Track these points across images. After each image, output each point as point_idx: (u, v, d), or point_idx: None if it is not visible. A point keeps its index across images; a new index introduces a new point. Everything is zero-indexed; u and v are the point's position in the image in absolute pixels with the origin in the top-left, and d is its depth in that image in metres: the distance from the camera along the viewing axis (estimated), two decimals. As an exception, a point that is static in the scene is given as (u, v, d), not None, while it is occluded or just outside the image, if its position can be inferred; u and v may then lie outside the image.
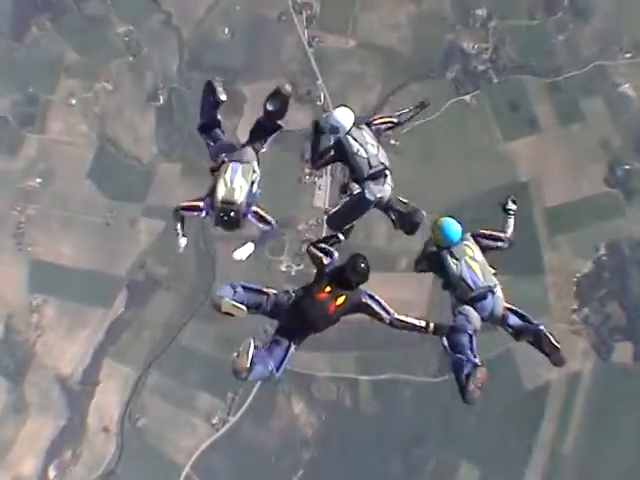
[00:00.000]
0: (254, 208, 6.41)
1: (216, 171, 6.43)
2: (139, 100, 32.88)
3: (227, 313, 5.79)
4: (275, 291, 6.06)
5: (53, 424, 31.43)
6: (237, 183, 6.20)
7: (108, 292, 31.83)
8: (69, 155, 32.80)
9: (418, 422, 29.08)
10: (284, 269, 30.06)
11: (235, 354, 5.79)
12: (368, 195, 6.73)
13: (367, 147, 6.76)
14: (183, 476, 30.13)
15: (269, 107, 6.93)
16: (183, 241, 6.91)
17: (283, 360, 5.96)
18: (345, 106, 7.08)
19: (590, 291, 29.20)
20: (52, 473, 31.10)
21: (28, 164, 33.10)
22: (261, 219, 6.47)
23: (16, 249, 32.47)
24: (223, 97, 6.78)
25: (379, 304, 5.99)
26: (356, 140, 6.80)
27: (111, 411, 31.23)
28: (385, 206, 6.93)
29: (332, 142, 7.17)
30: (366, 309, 5.95)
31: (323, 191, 30.62)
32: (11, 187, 32.95)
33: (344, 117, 6.94)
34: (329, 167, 32.04)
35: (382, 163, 6.82)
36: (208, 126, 7.09)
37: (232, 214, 6.13)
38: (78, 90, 33.10)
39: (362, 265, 5.73)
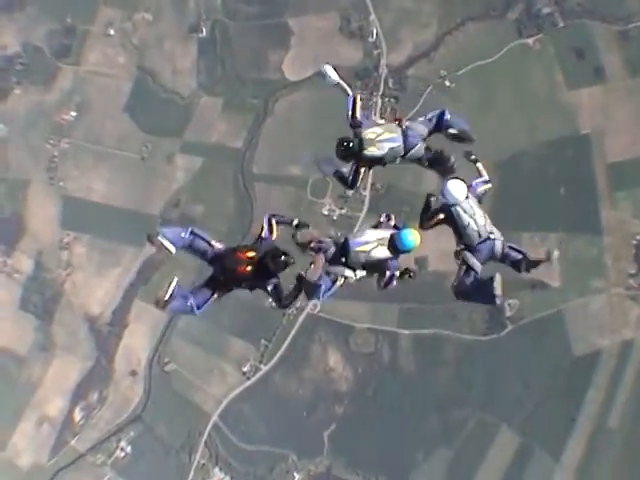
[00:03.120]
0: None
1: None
2: (180, 31, 33.82)
3: (152, 243, 7.32)
4: (221, 245, 7.47)
5: (80, 365, 33.00)
6: (385, 144, 7.58)
7: (140, 230, 32.01)
8: (106, 88, 34.01)
9: (459, 382, 29.77)
10: (326, 212, 30.89)
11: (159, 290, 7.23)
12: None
13: (476, 218, 7.50)
14: (211, 424, 31.44)
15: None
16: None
17: (205, 302, 7.41)
18: (457, 178, 7.62)
19: None
20: (78, 415, 32.81)
21: (63, 96, 34.41)
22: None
23: (48, 183, 34.01)
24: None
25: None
26: (466, 212, 7.49)
27: (139, 354, 32.63)
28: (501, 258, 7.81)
29: (440, 205, 7.83)
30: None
31: None
32: (45, 120, 34.38)
33: (458, 191, 7.50)
34: (378, 106, 33.63)
35: (490, 232, 7.60)
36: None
37: (345, 144, 7.57)
38: (117, 20, 34.30)
39: (281, 260, 6.89)
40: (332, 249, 7.24)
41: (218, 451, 31.69)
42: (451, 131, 8.00)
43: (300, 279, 7.15)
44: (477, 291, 7.65)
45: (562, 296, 29.74)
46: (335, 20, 32.70)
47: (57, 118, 34.48)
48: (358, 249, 7.05)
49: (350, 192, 31.35)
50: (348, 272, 7.20)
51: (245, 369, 31.69)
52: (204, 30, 33.88)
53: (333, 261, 7.21)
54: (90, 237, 33.81)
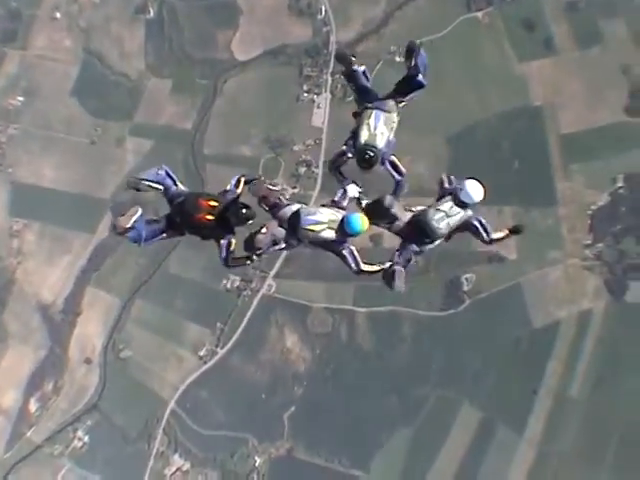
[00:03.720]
0: (392, 157, 7.37)
1: (358, 116, 7.45)
2: (127, 13, 33.85)
3: (137, 189, 7.33)
4: (185, 188, 7.48)
5: (33, 355, 32.94)
6: (379, 130, 7.23)
7: (92, 216, 32.96)
8: (53, 72, 33.98)
9: (418, 359, 29.90)
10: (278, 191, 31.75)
11: (122, 214, 7.14)
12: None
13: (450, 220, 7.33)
14: (168, 411, 31.49)
15: (407, 64, 7.65)
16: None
17: (154, 237, 7.30)
18: (474, 179, 7.51)
19: (605, 225, 29.80)
20: (33, 406, 32.74)
21: (10, 81, 34.46)
22: (396, 168, 7.38)
23: None
24: (355, 67, 7.54)
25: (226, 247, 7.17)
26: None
27: (94, 342, 32.59)
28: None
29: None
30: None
31: (322, 109, 31.31)
32: None
33: (476, 192, 7.40)
34: (328, 84, 34.00)
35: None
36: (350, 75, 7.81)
37: (372, 155, 7.13)
38: (63, 3, 34.29)
39: (243, 212, 6.89)
40: (286, 210, 7.18)
41: (177, 437, 31.65)
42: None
43: (248, 240, 7.02)
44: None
45: (519, 268, 30.05)
46: None
47: (4, 103, 34.44)
48: (308, 227, 7.03)
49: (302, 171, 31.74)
50: (292, 241, 7.22)
51: (201, 353, 31.70)
52: (151, 11, 33.98)
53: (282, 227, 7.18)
54: (40, 224, 33.76)
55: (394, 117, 7.45)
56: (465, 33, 31.60)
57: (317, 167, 31.28)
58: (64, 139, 33.90)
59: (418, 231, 7.30)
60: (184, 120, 32.46)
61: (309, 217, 7.03)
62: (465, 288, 30.50)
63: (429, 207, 7.39)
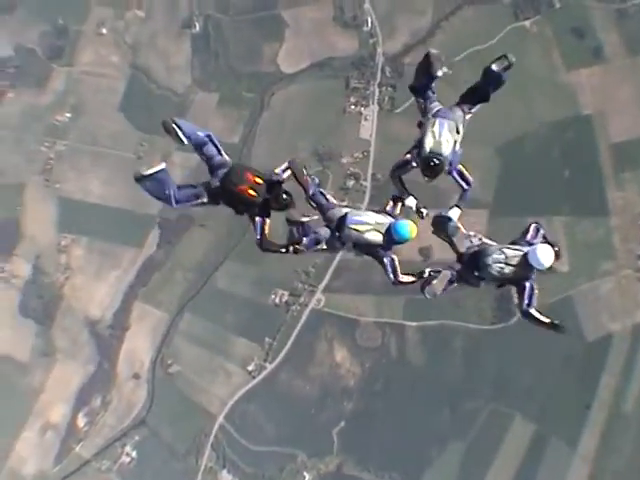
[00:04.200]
0: (459, 166, 7.43)
1: (423, 125, 7.43)
2: (173, 28, 34.77)
3: (168, 131, 7.42)
4: (229, 160, 7.50)
5: (82, 370, 33.62)
6: (444, 137, 7.22)
7: (139, 231, 33.87)
8: (100, 87, 34.85)
9: (469, 373, 30.15)
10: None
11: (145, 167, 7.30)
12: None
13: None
14: (217, 426, 31.94)
15: (494, 68, 7.92)
16: None
17: (187, 201, 7.41)
18: (550, 244, 7.41)
19: None
20: (81, 421, 33.42)
21: (57, 98, 35.27)
22: (463, 177, 7.47)
23: (44, 186, 34.80)
24: (439, 73, 7.66)
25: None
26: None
27: (142, 357, 33.24)
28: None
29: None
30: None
31: (369, 121, 31.82)
32: (40, 122, 35.22)
33: (546, 258, 7.24)
34: (375, 96, 34.91)
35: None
36: (419, 90, 7.84)
37: (438, 163, 7.10)
38: (109, 19, 35.29)
39: (284, 198, 7.04)
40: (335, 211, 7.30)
41: (225, 453, 32.06)
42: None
43: (290, 222, 7.35)
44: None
45: (571, 280, 30.12)
46: (329, 10, 33.36)
47: (52, 120, 35.23)
48: (353, 226, 7.14)
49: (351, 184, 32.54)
50: (336, 242, 7.38)
51: (250, 368, 32.14)
52: (197, 25, 34.76)
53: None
54: (88, 239, 34.47)
55: (460, 126, 7.49)
56: (513, 42, 31.72)
57: (365, 180, 31.77)
58: (111, 154, 34.62)
59: (472, 260, 7.54)
60: (231, 134, 32.96)
61: (355, 217, 7.19)
62: (516, 301, 30.98)
63: (496, 246, 7.48)
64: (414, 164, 7.46)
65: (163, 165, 7.48)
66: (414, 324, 31.18)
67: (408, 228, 7.07)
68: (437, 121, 7.35)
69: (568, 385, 30.06)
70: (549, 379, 30.02)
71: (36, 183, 35.32)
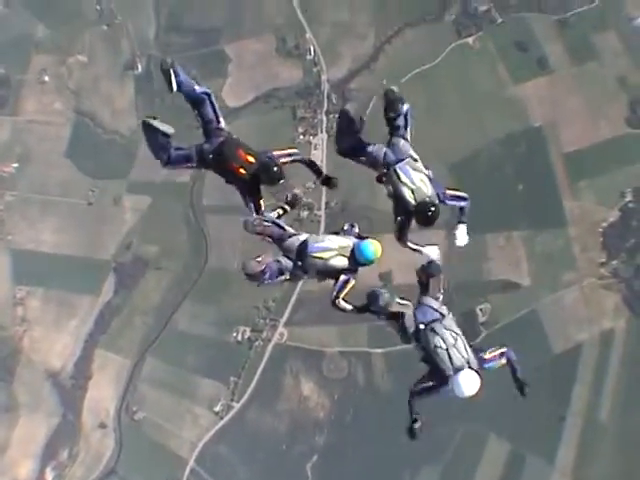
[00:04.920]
0: (447, 192, 7.16)
1: (384, 180, 7.16)
2: (116, 70, 34.55)
3: (163, 72, 7.10)
4: (227, 132, 7.20)
5: (46, 423, 33.21)
6: (416, 180, 6.90)
7: (95, 277, 33.53)
8: (45, 135, 34.62)
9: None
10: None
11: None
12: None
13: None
14: (188, 470, 31.61)
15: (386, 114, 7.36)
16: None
17: (177, 163, 7.21)
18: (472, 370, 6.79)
19: (618, 242, 30.27)
20: (49, 475, 32.98)
21: (3, 149, 34.99)
22: (456, 197, 7.32)
23: None
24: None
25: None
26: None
27: (107, 405, 32.81)
28: None
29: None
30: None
31: (319, 150, 31.92)
32: None
33: (469, 387, 6.69)
34: (324, 124, 34.96)
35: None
36: (356, 149, 7.50)
37: (434, 209, 6.73)
38: (51, 65, 34.94)
39: (275, 171, 6.73)
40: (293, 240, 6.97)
41: None
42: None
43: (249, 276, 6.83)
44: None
45: (534, 294, 30.28)
46: (271, 41, 33.31)
47: None
48: (316, 255, 6.77)
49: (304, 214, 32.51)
50: (298, 272, 7.04)
51: (217, 409, 31.85)
52: (139, 66, 34.69)
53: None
54: (44, 290, 34.08)
55: (414, 155, 7.13)
56: (457, 60, 32.15)
57: (319, 209, 31.95)
58: (61, 202, 34.31)
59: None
60: (181, 174, 32.63)
61: (317, 244, 6.79)
62: (481, 319, 30.67)
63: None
64: (407, 220, 7.14)
65: (172, 131, 7.25)
66: (379, 351, 30.96)
67: (373, 248, 6.79)
68: (398, 171, 7.00)
69: (540, 399, 29.50)
70: (520, 396, 29.93)
71: (-14, 237, 34.72)
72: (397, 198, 7.00)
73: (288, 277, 7.03)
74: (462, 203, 7.40)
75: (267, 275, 6.76)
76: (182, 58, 34.15)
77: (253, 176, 6.87)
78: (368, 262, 6.81)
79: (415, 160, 7.08)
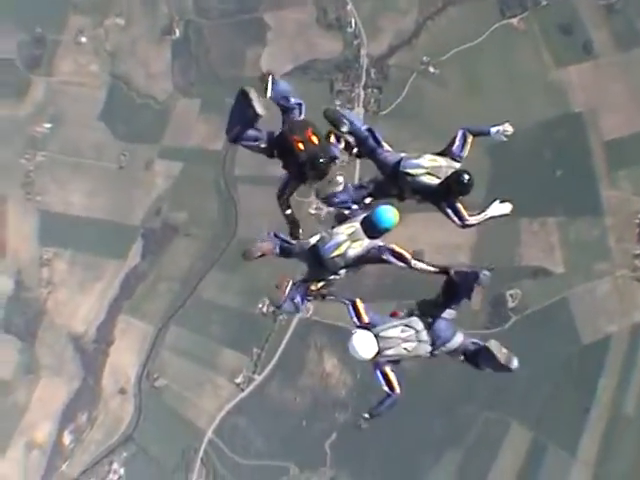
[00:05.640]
0: (452, 148, 6.87)
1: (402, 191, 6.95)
2: (153, 34, 34.39)
3: (262, 80, 6.91)
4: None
5: (67, 386, 33.25)
6: (424, 161, 6.76)
7: (122, 242, 33.51)
8: (79, 97, 34.50)
9: (464, 379, 28.66)
10: (313, 211, 30.70)
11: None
12: None
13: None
14: (206, 441, 31.40)
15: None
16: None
17: (245, 140, 7.02)
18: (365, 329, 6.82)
19: None
20: (67, 438, 33.01)
21: (36, 109, 34.97)
22: (461, 144, 6.94)
23: (25, 199, 34.53)
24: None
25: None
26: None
27: (128, 371, 32.79)
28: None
29: None
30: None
31: None
32: (19, 134, 34.92)
33: (364, 348, 6.75)
34: (361, 98, 34.78)
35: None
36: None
37: (464, 175, 6.52)
38: (88, 27, 34.90)
39: (321, 162, 6.63)
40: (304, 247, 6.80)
41: (216, 468, 31.54)
42: None
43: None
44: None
45: (566, 282, 29.78)
46: (312, 12, 32.95)
47: (31, 131, 34.91)
48: (332, 255, 6.57)
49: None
50: (328, 276, 6.88)
51: (238, 380, 31.66)
52: (177, 31, 34.44)
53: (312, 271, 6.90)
54: (71, 252, 34.09)
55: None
56: (500, 40, 31.55)
57: (353, 184, 31.90)
58: (92, 165, 34.24)
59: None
60: (214, 141, 32.54)
61: (328, 245, 6.57)
62: (511, 305, 30.13)
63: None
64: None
65: (264, 112, 6.80)
66: (407, 330, 30.66)
67: (389, 213, 6.53)
68: (405, 170, 6.78)
69: (565, 389, 29.54)
70: (545, 384, 29.45)
71: (17, 196, 34.97)
72: (422, 191, 6.82)
73: (323, 284, 7.00)
74: (469, 138, 7.03)
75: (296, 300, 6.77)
76: (220, 24, 34.20)
77: (307, 160, 6.72)
78: (386, 229, 6.59)
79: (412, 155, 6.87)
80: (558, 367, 29.64)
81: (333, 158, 6.88)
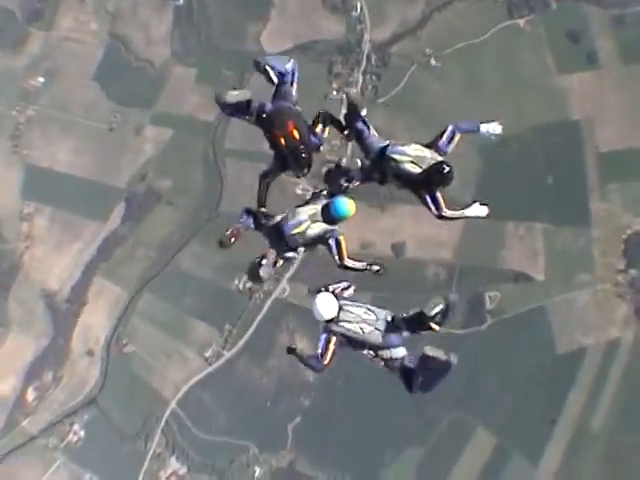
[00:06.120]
0: (439, 142, 7.21)
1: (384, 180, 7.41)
2: None
3: (259, 70, 7.35)
4: (294, 100, 7.47)
5: (35, 343, 33.10)
6: (410, 150, 7.13)
7: (104, 204, 33.30)
8: (76, 54, 34.31)
9: None
10: (300, 192, 29.80)
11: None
12: None
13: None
14: (169, 411, 31.35)
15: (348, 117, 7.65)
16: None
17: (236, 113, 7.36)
18: (326, 291, 7.40)
19: None
20: (31, 395, 32.95)
21: (32, 61, 34.84)
22: (448, 139, 7.29)
23: (12, 151, 34.40)
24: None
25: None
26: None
27: (97, 334, 32.59)
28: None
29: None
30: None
31: None
32: (12, 85, 34.87)
33: (325, 308, 7.29)
34: (359, 83, 34.48)
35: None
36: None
37: (444, 166, 6.88)
38: None
39: (304, 157, 7.11)
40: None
41: (175, 440, 31.44)
42: None
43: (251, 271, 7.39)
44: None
45: (546, 290, 29.62)
46: None
47: (25, 84, 34.72)
48: (294, 232, 7.16)
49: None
50: (289, 254, 7.45)
51: (207, 354, 31.51)
52: None
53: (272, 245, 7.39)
54: (52, 209, 33.94)
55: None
56: (505, 40, 31.35)
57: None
58: (82, 124, 33.98)
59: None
60: (207, 111, 32.15)
61: (290, 222, 7.21)
62: (488, 306, 30.00)
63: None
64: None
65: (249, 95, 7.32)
66: (381, 321, 30.52)
67: (346, 205, 7.06)
68: (391, 155, 7.19)
69: (534, 398, 29.34)
70: (515, 390, 29.40)
71: (4, 148, 34.79)
72: (404, 178, 7.16)
73: (281, 263, 7.51)
74: (457, 137, 7.40)
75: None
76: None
77: (289, 153, 7.16)
78: (342, 218, 7.13)
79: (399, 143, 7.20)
80: (529, 375, 29.47)
81: (315, 149, 7.33)
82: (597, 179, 30.29)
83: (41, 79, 34.91)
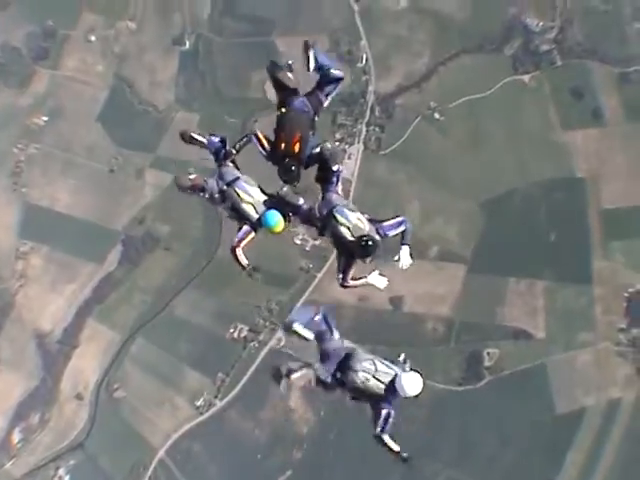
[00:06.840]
0: (383, 224, 7.15)
1: (326, 231, 7.25)
2: (163, 43, 34.37)
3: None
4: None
5: (24, 383, 32.73)
6: (353, 218, 7.05)
7: (101, 246, 33.19)
8: (81, 94, 34.43)
9: (431, 434, 28.90)
10: (299, 242, 30.63)
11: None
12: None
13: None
14: (157, 460, 30.84)
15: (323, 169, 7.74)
16: None
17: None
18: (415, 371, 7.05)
19: None
20: (16, 436, 32.42)
21: (36, 100, 34.92)
22: (394, 225, 7.21)
23: (11, 189, 34.32)
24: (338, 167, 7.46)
25: None
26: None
27: (88, 377, 32.26)
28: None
29: None
30: None
31: (353, 160, 31.26)
32: (15, 123, 34.88)
33: (413, 387, 6.91)
34: (362, 134, 34.59)
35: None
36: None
37: (368, 240, 6.82)
38: (99, 27, 34.95)
39: (292, 169, 7.24)
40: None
41: None
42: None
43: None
44: None
45: (546, 348, 29.40)
46: (324, 42, 32.41)
47: (28, 122, 34.83)
48: (237, 190, 7.60)
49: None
50: (216, 196, 7.93)
51: (199, 403, 31.12)
52: (187, 43, 34.45)
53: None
54: (48, 248, 33.80)
55: (349, 204, 7.34)
56: (509, 95, 31.47)
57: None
58: (83, 164, 34.08)
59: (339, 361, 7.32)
60: (209, 157, 32.87)
61: (245, 184, 7.54)
62: (487, 363, 29.55)
63: (369, 355, 7.19)
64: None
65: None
66: (376, 375, 30.15)
67: (276, 219, 7.24)
68: (336, 214, 7.18)
69: (532, 457, 28.93)
70: (513, 449, 29.02)
71: (3, 185, 34.76)
72: (336, 239, 7.14)
73: (207, 196, 7.77)
74: (401, 228, 7.30)
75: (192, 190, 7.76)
76: (231, 43, 34.24)
77: (281, 160, 7.35)
78: (268, 228, 7.27)
79: (352, 210, 7.24)
80: (528, 434, 29.05)
81: (297, 168, 7.37)
82: (600, 236, 30.26)
83: (45, 118, 34.99)
